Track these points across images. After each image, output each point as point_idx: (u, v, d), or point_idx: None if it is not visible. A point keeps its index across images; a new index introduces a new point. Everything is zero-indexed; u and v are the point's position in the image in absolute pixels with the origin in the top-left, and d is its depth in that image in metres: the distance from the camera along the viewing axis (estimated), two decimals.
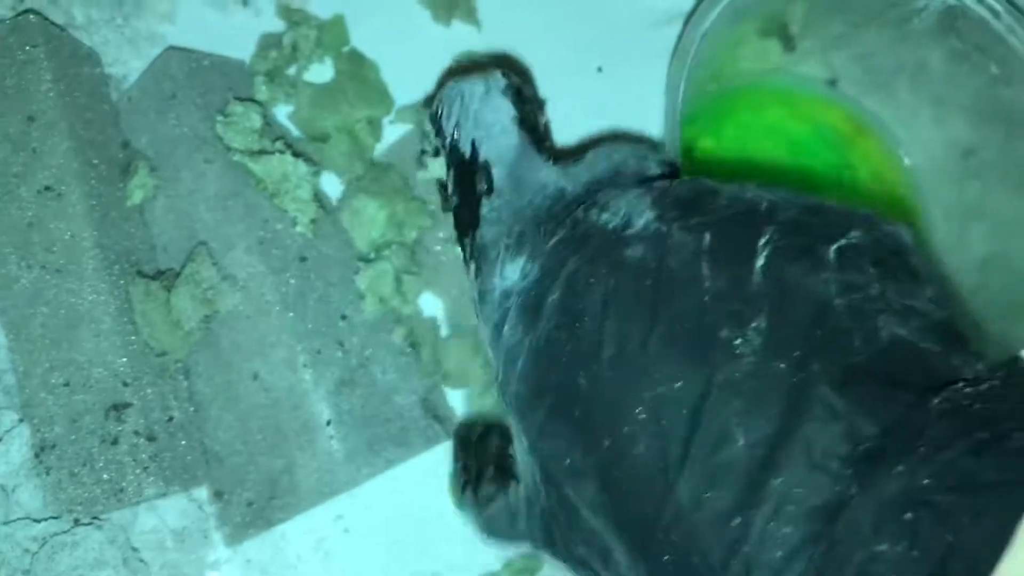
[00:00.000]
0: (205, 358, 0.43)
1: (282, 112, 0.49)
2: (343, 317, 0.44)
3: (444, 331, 0.48)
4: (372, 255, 0.46)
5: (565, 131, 0.51)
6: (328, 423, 0.41)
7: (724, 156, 0.51)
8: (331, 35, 0.50)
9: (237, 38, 0.49)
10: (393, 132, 0.50)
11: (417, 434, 0.44)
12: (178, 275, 0.43)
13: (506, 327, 0.31)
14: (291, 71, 0.50)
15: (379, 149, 0.50)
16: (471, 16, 0.53)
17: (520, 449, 0.32)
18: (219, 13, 0.50)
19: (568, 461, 0.28)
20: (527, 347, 0.30)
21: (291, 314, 0.42)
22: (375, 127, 0.50)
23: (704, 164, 0.49)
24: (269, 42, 0.49)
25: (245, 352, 0.42)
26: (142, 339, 0.42)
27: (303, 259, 0.44)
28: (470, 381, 0.46)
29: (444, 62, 0.52)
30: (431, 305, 0.48)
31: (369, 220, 0.48)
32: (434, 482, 0.46)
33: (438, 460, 0.46)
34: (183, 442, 0.42)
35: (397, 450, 0.43)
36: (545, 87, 0.52)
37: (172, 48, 0.45)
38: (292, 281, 0.43)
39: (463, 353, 0.46)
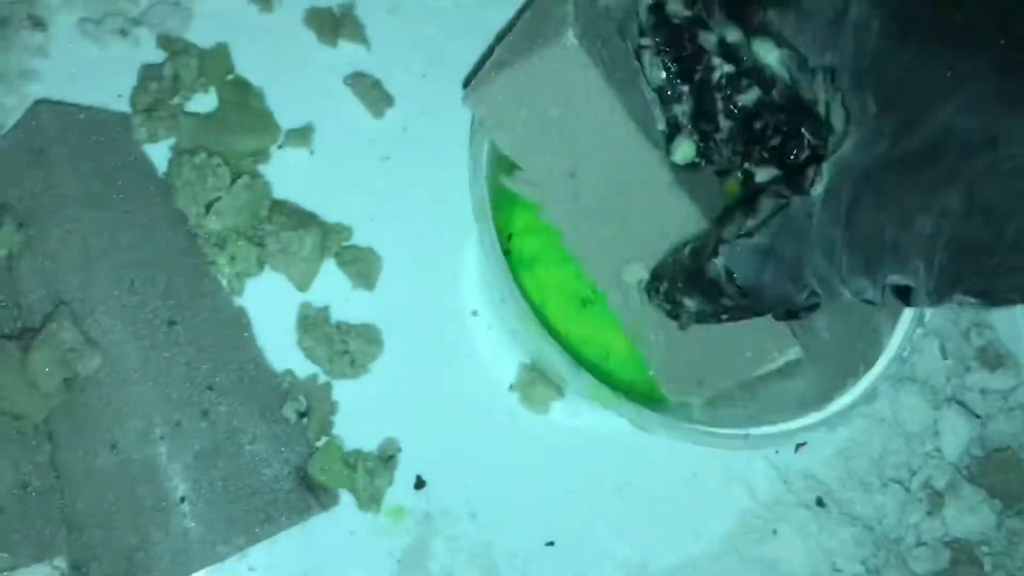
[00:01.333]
0: (66, 424, 0.42)
1: (164, 146, 0.47)
2: (210, 387, 0.42)
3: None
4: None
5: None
6: (183, 500, 0.40)
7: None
8: (213, 63, 0.48)
9: (116, 71, 0.48)
10: (282, 158, 0.49)
11: (286, 507, 0.43)
12: (36, 335, 0.41)
13: None
14: (175, 102, 0.48)
15: (270, 174, 0.48)
16: (358, 34, 0.51)
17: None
18: (96, 45, 0.48)
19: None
20: None
21: (151, 383, 0.40)
22: (261, 158, 0.48)
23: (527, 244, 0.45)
24: (149, 74, 0.48)
25: (104, 421, 0.41)
26: None
27: (172, 323, 0.42)
28: None
29: (333, 84, 0.51)
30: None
31: (305, 251, 0.46)
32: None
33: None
34: (37, 511, 0.41)
35: (261, 526, 0.41)
36: (441, 100, 0.51)
37: (42, 101, 0.44)
38: (156, 347, 0.41)
39: None
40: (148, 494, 0.40)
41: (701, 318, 0.37)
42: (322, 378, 0.46)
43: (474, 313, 0.49)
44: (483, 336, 0.49)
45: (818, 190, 0.32)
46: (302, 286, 0.47)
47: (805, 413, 0.41)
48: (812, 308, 0.38)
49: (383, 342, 0.47)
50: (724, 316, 0.37)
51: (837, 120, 0.32)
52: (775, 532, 0.50)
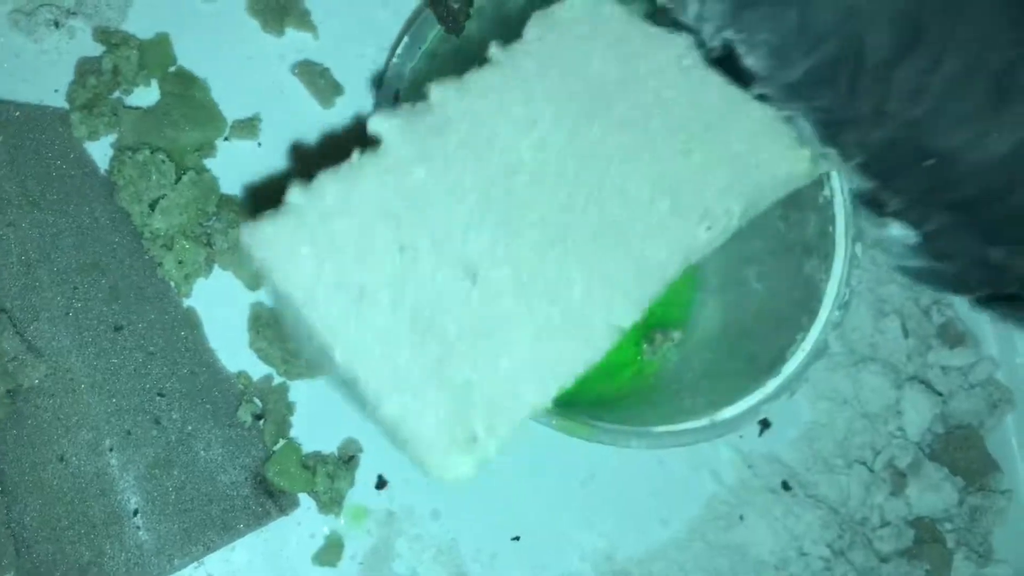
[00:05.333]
0: (11, 437, 0.40)
1: (105, 143, 0.45)
2: (160, 393, 0.41)
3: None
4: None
5: None
6: (136, 512, 0.38)
7: None
8: (155, 55, 0.47)
9: (51, 65, 0.46)
10: (229, 151, 0.47)
11: (243, 514, 0.41)
12: None
13: None
14: (115, 96, 0.46)
15: (217, 169, 0.47)
16: (305, 21, 0.49)
17: None
18: (28, 38, 0.46)
19: None
20: None
21: (98, 391, 0.39)
22: (207, 151, 0.47)
23: None
24: (87, 67, 0.46)
25: (50, 432, 0.39)
26: None
27: (118, 328, 0.41)
28: None
29: (280, 73, 0.49)
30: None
31: None
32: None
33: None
34: None
35: (218, 534, 0.40)
36: None
37: None
38: (103, 354, 0.40)
39: None
40: (100, 507, 0.39)
41: None
42: (277, 379, 0.45)
43: None
44: None
45: None
46: (253, 285, 0.46)
47: (763, 382, 0.41)
48: None
49: None
50: None
51: None
52: (742, 517, 0.49)
